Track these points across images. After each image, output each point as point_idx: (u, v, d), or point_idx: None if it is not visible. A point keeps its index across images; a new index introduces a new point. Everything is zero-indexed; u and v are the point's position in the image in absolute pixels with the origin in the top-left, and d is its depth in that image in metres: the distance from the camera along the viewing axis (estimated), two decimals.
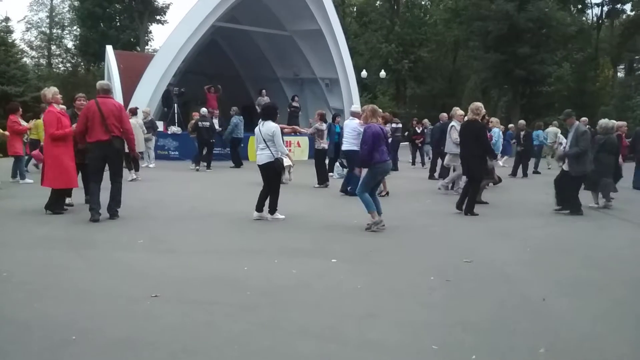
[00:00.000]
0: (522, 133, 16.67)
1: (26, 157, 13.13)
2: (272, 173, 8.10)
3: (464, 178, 9.92)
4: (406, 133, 20.68)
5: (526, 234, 7.57)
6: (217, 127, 16.96)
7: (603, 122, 10.47)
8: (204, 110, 16.16)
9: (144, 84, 19.12)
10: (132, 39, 44.42)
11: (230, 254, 6.06)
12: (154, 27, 57.13)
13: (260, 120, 8.22)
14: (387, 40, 41.62)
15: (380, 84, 42.14)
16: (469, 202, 8.90)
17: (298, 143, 20.41)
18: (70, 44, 51.50)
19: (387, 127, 11.23)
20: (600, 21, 44.71)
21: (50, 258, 5.67)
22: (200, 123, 15.35)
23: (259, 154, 8.05)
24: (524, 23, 32.68)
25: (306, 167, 13.89)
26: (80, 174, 8.60)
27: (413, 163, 19.17)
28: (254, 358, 3.45)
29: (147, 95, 18.79)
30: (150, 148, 16.04)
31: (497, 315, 4.29)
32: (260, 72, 25.75)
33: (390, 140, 10.54)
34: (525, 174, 16.31)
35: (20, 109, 12.39)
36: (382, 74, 36.52)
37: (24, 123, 12.33)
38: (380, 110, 8.37)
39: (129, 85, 19.45)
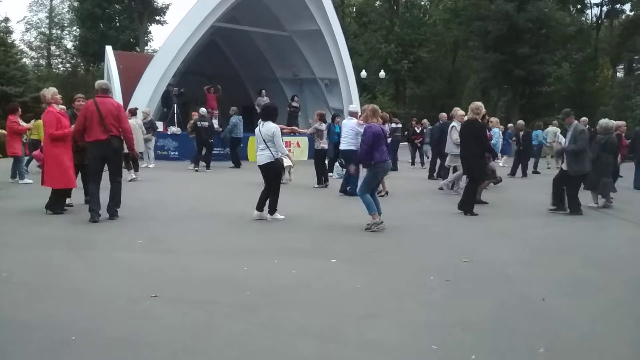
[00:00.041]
0: (521, 133, 16.69)
1: (27, 158, 13.14)
2: (273, 173, 8.10)
3: (465, 178, 9.92)
4: (405, 133, 20.68)
5: (526, 234, 7.57)
6: (216, 126, 16.93)
7: (603, 121, 10.47)
8: (202, 110, 16.15)
9: (144, 85, 19.12)
10: (131, 40, 44.45)
11: (230, 254, 6.06)
12: (153, 28, 57.33)
13: (260, 120, 8.22)
14: (387, 41, 41.64)
15: (380, 84, 42.15)
16: (468, 201, 8.91)
17: (298, 143, 20.41)
18: (69, 45, 51.65)
19: (386, 127, 11.23)
20: (599, 21, 44.72)
21: (50, 258, 5.67)
22: (199, 123, 15.34)
23: (259, 155, 8.05)
24: (524, 23, 32.70)
25: (306, 167, 13.89)
26: (80, 174, 8.61)
27: (412, 163, 19.16)
28: (254, 358, 3.45)
29: (146, 95, 18.80)
30: (150, 148, 16.04)
31: (497, 315, 4.29)
32: (259, 72, 25.75)
33: (389, 140, 10.54)
34: (524, 174, 16.31)
35: (20, 110, 12.38)
36: (382, 74, 36.53)
37: (23, 123, 12.33)
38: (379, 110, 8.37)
39: (129, 86, 19.46)
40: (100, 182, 7.74)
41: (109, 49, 23.46)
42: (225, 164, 16.89)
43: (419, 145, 19.12)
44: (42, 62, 51.81)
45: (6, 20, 34.84)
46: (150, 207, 9.02)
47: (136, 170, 12.97)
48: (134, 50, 41.54)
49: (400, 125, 18.68)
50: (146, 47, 45.83)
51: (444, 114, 14.67)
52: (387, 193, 10.75)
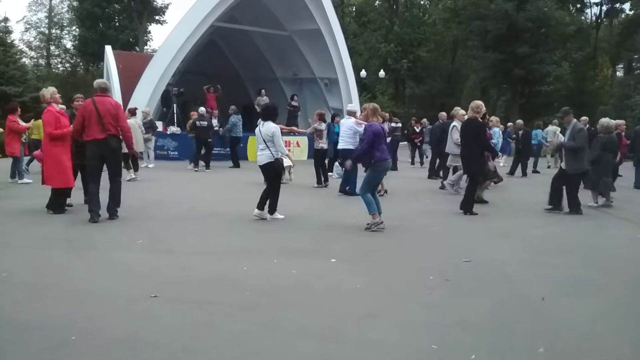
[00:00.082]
0: (520, 132, 16.70)
1: (28, 158, 13.15)
2: (273, 173, 8.11)
3: (465, 178, 9.92)
4: (405, 131, 20.67)
5: (526, 234, 7.57)
6: (216, 125, 16.92)
7: (604, 121, 10.46)
8: (202, 109, 16.13)
9: (143, 84, 19.11)
10: (131, 39, 44.46)
11: (229, 254, 6.06)
12: (153, 27, 57.35)
13: (260, 120, 8.23)
14: (386, 40, 41.63)
15: (380, 84, 42.17)
16: (467, 201, 8.91)
17: (297, 143, 20.41)
18: (69, 44, 51.63)
19: (385, 126, 11.22)
20: (599, 20, 44.73)
21: (49, 258, 5.67)
22: (198, 122, 15.33)
23: (259, 155, 8.06)
24: (523, 22, 32.71)
25: (306, 167, 13.89)
26: (80, 174, 8.61)
27: (412, 163, 19.17)
28: (254, 358, 3.45)
29: (146, 95, 18.79)
30: (150, 148, 16.04)
31: (497, 315, 4.29)
32: (259, 72, 25.74)
33: (389, 139, 10.54)
34: (524, 174, 16.32)
35: (19, 110, 12.38)
36: (381, 73, 36.56)
37: (22, 123, 12.32)
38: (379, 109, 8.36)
39: (128, 86, 19.44)
40: (99, 182, 7.74)
41: (108, 48, 23.45)
42: (225, 164, 16.89)
43: (418, 144, 19.12)
44: (42, 61, 51.78)
45: (5, 20, 34.90)
46: (150, 207, 9.02)
47: (136, 170, 12.97)
48: (133, 50, 41.54)
49: (400, 125, 18.68)
50: (146, 47, 45.82)
51: (443, 113, 14.67)
52: (385, 192, 10.75)
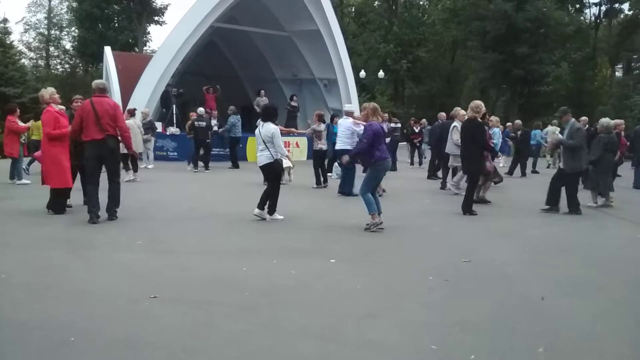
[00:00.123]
0: (519, 132, 16.70)
1: (29, 159, 13.15)
2: (272, 174, 8.12)
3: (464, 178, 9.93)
4: (404, 132, 20.68)
5: (525, 234, 7.57)
6: (214, 124, 16.90)
7: (605, 121, 10.44)
8: (200, 109, 16.10)
9: (143, 85, 19.11)
10: (130, 40, 44.46)
11: (229, 255, 6.06)
12: (152, 28, 57.05)
13: (259, 121, 8.23)
14: (386, 41, 41.67)
15: (379, 84, 42.16)
16: (466, 201, 8.91)
17: (297, 143, 20.41)
18: (68, 45, 51.64)
19: (384, 126, 11.23)
20: (598, 20, 44.78)
21: (49, 259, 5.67)
22: (196, 123, 15.31)
23: (259, 155, 8.08)
24: (522, 23, 32.75)
25: (305, 167, 13.89)
26: (79, 175, 8.61)
27: (411, 163, 19.17)
28: (254, 358, 3.45)
29: (145, 96, 18.77)
30: (150, 149, 16.02)
31: (497, 315, 4.29)
32: (258, 72, 25.74)
33: (388, 140, 10.54)
34: (523, 174, 16.33)
35: (18, 110, 12.39)
36: (381, 74, 36.57)
37: (21, 124, 12.32)
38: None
39: (128, 86, 19.44)
40: (98, 182, 7.73)
41: (107, 49, 23.45)
42: (224, 164, 16.88)
43: (417, 145, 19.12)
44: (41, 62, 51.80)
45: (5, 21, 34.92)
46: (150, 207, 9.01)
47: (135, 170, 12.96)
48: (132, 51, 41.54)
49: (399, 125, 18.68)
50: (145, 48, 45.86)
51: (442, 114, 14.68)
52: (384, 191, 10.74)
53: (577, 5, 43.92)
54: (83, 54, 45.62)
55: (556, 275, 5.43)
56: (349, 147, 10.17)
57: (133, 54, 35.99)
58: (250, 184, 11.76)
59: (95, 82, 8.09)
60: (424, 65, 44.27)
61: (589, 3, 44.16)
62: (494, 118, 13.43)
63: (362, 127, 9.08)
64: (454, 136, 10.92)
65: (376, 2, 49.13)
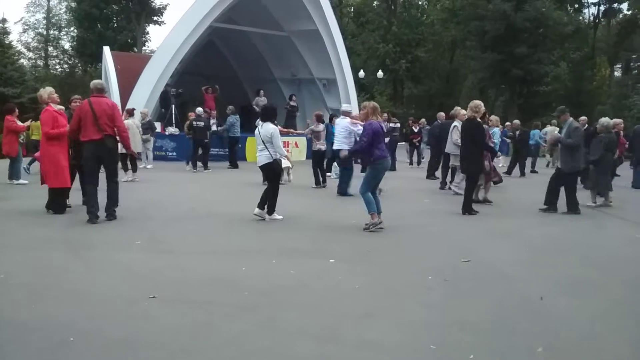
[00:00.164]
0: (517, 132, 16.71)
1: (30, 159, 13.14)
2: (271, 174, 8.13)
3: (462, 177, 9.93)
4: (404, 131, 20.68)
5: (524, 234, 7.58)
6: (213, 122, 16.89)
7: (604, 120, 10.45)
8: (199, 109, 16.09)
9: (142, 85, 19.08)
10: (129, 40, 44.43)
11: (228, 255, 6.06)
12: (151, 28, 57.34)
13: (259, 121, 8.23)
14: (385, 41, 41.67)
15: (378, 84, 42.19)
16: (465, 200, 8.91)
17: (296, 143, 20.39)
18: (67, 45, 51.58)
19: (383, 126, 11.22)
20: (597, 20, 44.83)
21: (49, 259, 5.67)
22: (194, 123, 15.29)
23: (259, 155, 8.09)
24: (521, 23, 32.77)
25: (304, 167, 13.89)
26: (78, 175, 8.61)
27: (410, 163, 19.18)
28: (253, 358, 3.45)
29: (144, 96, 18.74)
30: (149, 149, 16.02)
31: (496, 314, 4.29)
32: (257, 72, 25.73)
33: (387, 140, 10.53)
34: (522, 174, 16.33)
35: (17, 110, 12.39)
36: (380, 74, 36.58)
37: (20, 123, 12.32)
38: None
39: (127, 86, 19.41)
40: (97, 183, 7.73)
41: (106, 49, 23.41)
42: (223, 164, 16.87)
43: (417, 144, 19.13)
44: (40, 63, 51.77)
45: (3, 21, 34.96)
46: (149, 207, 9.01)
47: (134, 170, 12.95)
48: (131, 51, 41.46)
49: (398, 125, 18.70)
50: (144, 48, 45.84)
51: (442, 114, 14.68)
52: (380, 190, 10.71)
53: (576, 5, 43.96)
54: (82, 54, 45.57)
55: (555, 275, 5.43)
56: (346, 147, 10.18)
57: (132, 54, 35.93)
58: (249, 184, 11.77)
59: (93, 82, 8.08)
60: (423, 65, 44.28)
61: (587, 3, 44.26)
62: (493, 118, 13.42)
63: (360, 127, 9.08)
64: (454, 136, 10.92)
65: (375, 2, 49.12)
